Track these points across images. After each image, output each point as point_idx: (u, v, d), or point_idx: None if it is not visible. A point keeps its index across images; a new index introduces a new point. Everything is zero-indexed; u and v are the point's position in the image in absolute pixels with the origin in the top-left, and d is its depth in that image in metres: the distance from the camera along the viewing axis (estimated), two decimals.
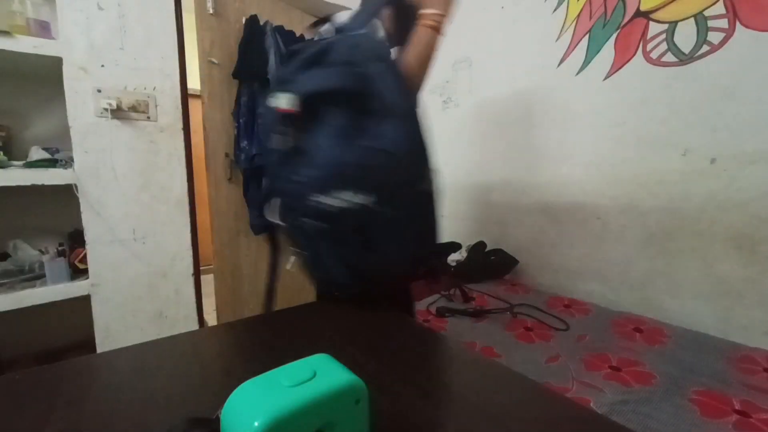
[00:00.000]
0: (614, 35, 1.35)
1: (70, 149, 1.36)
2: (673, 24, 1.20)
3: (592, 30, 1.41)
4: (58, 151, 1.47)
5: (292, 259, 0.74)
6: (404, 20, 0.73)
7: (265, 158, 1.06)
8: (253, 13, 1.82)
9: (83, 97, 1.37)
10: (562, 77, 1.53)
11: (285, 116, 0.61)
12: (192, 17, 1.65)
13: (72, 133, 1.35)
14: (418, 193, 0.66)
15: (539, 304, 1.41)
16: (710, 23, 1.12)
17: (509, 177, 1.79)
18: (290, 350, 0.63)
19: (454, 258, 1.75)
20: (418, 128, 0.65)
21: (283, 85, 0.62)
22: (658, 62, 1.24)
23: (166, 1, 1.51)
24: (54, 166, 1.35)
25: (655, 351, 1.08)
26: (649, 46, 1.26)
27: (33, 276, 1.37)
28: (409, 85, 0.68)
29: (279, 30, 1.88)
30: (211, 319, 1.95)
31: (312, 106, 0.60)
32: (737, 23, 1.07)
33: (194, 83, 1.67)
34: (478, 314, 1.36)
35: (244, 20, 1.80)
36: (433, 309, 1.35)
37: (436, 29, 0.71)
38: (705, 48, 1.14)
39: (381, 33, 0.72)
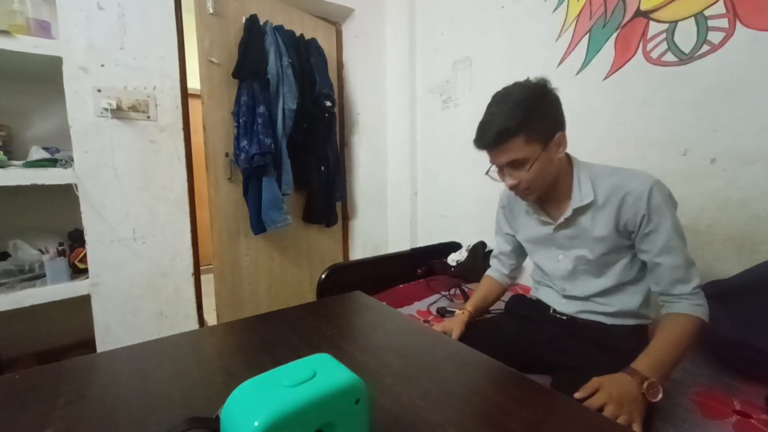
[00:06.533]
0: (614, 35, 1.35)
1: (70, 149, 1.36)
2: (674, 24, 1.19)
3: (592, 30, 1.41)
4: (58, 150, 1.47)
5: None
6: None
7: None
8: (253, 13, 1.82)
9: (83, 97, 1.37)
10: (562, 77, 1.53)
11: None
12: (192, 17, 1.65)
13: (72, 132, 1.36)
14: None
15: None
16: (710, 23, 1.12)
17: None
18: (290, 350, 0.63)
19: (454, 258, 1.75)
20: None
21: None
22: (658, 62, 1.24)
23: (166, 1, 1.51)
24: (54, 166, 1.35)
25: None
26: (649, 46, 1.25)
27: (33, 276, 1.37)
28: None
29: (279, 30, 1.88)
30: (211, 319, 1.95)
31: None
32: (737, 23, 1.07)
33: (194, 83, 1.67)
34: None
35: (244, 20, 1.80)
36: (433, 309, 1.35)
37: None
38: (705, 48, 1.13)
39: None
